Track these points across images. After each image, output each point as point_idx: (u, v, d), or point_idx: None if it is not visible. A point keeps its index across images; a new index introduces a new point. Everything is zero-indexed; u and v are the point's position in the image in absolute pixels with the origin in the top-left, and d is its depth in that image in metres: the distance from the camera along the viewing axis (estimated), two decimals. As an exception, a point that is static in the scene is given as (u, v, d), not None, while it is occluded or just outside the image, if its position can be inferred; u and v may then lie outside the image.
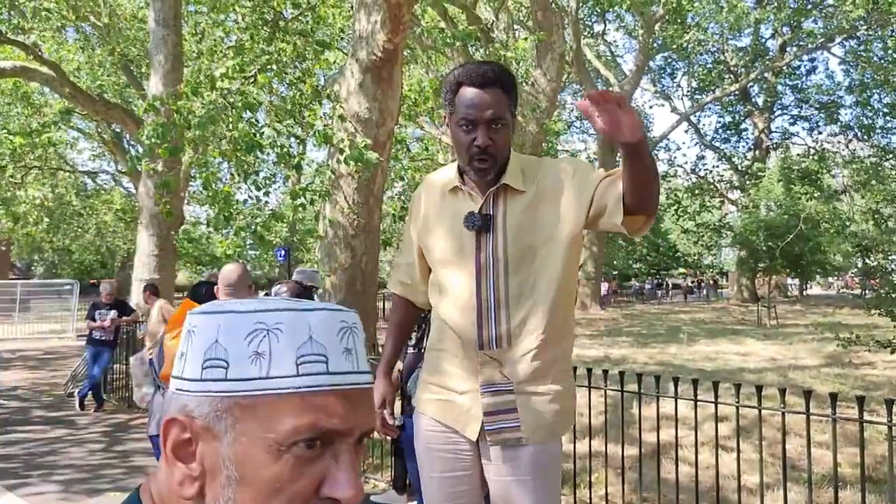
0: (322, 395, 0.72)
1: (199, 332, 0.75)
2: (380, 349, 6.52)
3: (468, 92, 2.02)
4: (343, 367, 0.75)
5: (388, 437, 5.59)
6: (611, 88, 27.53)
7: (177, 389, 0.76)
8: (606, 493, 4.26)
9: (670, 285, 49.52)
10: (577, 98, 33.81)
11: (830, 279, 42.14)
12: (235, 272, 3.30)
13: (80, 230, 29.30)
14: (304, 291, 6.41)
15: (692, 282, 50.70)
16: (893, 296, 8.41)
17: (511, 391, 2.07)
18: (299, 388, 0.71)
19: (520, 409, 2.06)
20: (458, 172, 2.17)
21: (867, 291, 9.70)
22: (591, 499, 4.48)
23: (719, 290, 45.90)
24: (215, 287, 3.47)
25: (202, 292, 4.14)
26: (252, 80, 8.58)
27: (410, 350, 4.34)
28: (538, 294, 2.10)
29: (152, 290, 8.35)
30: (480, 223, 2.08)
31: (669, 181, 35.49)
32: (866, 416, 3.17)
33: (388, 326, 2.42)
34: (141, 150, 7.98)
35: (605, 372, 4.36)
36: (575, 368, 4.39)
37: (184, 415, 0.73)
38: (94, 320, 8.93)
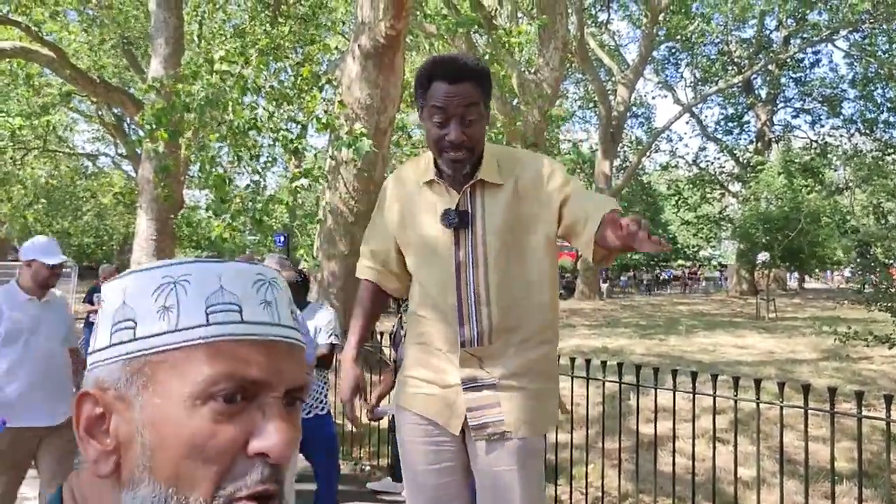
0: (237, 344, 0.66)
1: (107, 301, 0.70)
2: (378, 337, 6.52)
3: (440, 87, 1.96)
4: (261, 318, 0.69)
5: (384, 425, 5.61)
6: (613, 78, 27.21)
7: (90, 364, 0.70)
8: (603, 484, 4.25)
9: (643, 279, 46.84)
10: (580, 87, 33.83)
11: (828, 273, 42.16)
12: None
13: (78, 213, 29.24)
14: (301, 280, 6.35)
15: (679, 273, 50.18)
16: (892, 291, 8.40)
17: (493, 386, 2.04)
18: (210, 336, 0.66)
19: (503, 403, 2.03)
20: (434, 165, 2.12)
21: (866, 286, 9.68)
22: (587, 489, 4.48)
23: (699, 283, 45.97)
24: None
25: None
26: (250, 63, 8.52)
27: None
28: (520, 292, 2.07)
29: None
30: (457, 221, 2.04)
31: (671, 172, 35.42)
32: (864, 412, 3.16)
33: (354, 311, 2.33)
34: (142, 133, 7.93)
35: (604, 363, 4.35)
36: (573, 359, 4.39)
37: (95, 387, 0.68)
38: (93, 303, 8.91)
